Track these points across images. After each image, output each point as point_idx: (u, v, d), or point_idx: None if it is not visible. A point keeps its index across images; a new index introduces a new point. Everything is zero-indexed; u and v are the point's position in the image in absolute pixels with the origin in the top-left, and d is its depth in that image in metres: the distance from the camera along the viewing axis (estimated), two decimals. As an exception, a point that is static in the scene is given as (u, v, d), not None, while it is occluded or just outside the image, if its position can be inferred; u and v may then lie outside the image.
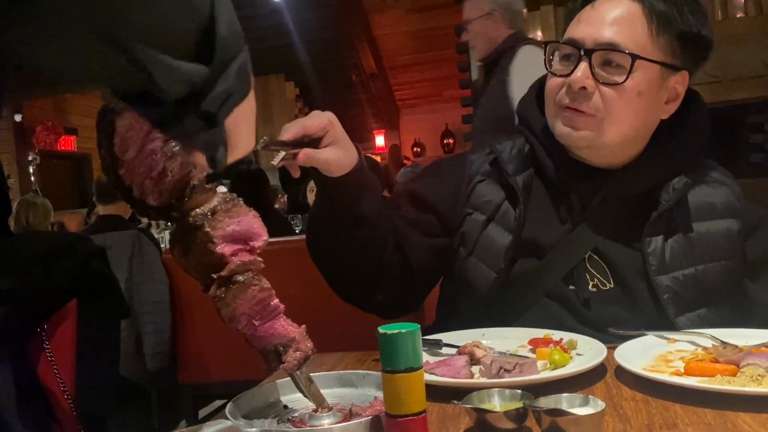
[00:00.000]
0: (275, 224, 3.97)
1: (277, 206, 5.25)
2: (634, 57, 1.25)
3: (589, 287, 1.33)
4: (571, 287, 1.33)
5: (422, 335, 1.10)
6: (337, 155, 1.19)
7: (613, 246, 1.34)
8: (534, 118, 1.43)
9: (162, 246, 4.16)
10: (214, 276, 0.92)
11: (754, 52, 3.74)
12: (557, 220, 1.37)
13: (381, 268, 1.36)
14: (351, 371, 1.10)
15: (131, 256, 3.56)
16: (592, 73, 1.27)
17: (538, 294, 1.34)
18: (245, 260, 0.93)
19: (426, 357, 1.20)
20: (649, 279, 1.29)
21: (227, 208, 0.93)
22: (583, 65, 1.27)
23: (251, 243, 0.95)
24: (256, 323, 0.94)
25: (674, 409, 0.92)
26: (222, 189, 0.93)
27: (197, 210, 0.91)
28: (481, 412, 0.86)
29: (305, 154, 1.15)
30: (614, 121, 1.28)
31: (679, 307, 1.27)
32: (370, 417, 0.88)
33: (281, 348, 0.97)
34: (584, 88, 1.26)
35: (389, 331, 0.84)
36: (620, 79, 1.26)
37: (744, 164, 3.36)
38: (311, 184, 4.60)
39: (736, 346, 1.04)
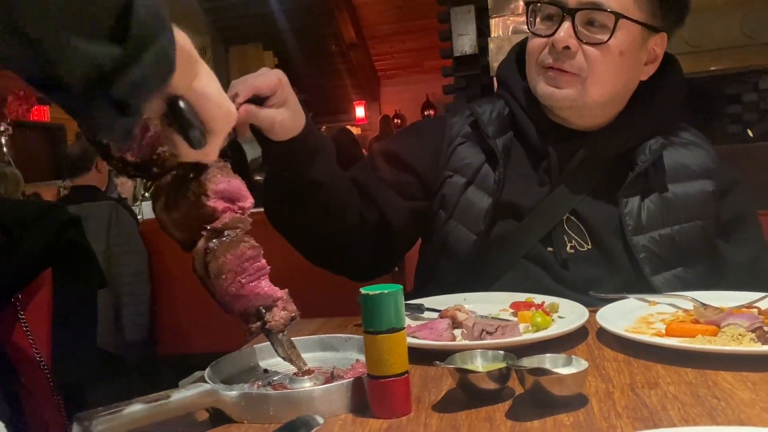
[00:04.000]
0: (255, 196, 3.92)
1: (258, 178, 5.19)
2: (618, 16, 1.24)
3: (567, 248, 1.33)
4: (549, 249, 1.34)
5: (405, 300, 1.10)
6: (282, 116, 1.13)
7: (590, 208, 1.34)
8: (514, 81, 1.42)
9: (139, 217, 4.11)
10: (207, 227, 0.90)
11: (734, 23, 3.72)
12: (536, 182, 1.37)
13: (347, 233, 1.34)
14: (332, 335, 1.09)
15: (108, 227, 3.51)
16: (575, 33, 1.25)
17: (517, 256, 1.34)
18: (236, 216, 0.92)
19: (408, 321, 1.19)
20: (625, 239, 1.30)
21: (219, 166, 0.92)
22: (566, 25, 1.26)
23: (239, 203, 0.93)
24: (243, 281, 0.93)
25: (656, 369, 0.92)
26: None
27: (190, 163, 0.89)
28: (464, 373, 0.85)
29: (246, 110, 1.08)
30: (597, 81, 1.28)
31: (655, 267, 1.28)
32: (351, 379, 0.87)
33: (263, 309, 0.96)
34: (568, 47, 1.25)
35: (371, 293, 0.83)
36: (604, 37, 1.25)
37: (721, 135, 3.38)
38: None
39: (717, 308, 1.05)
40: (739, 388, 0.83)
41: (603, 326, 1.04)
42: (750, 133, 3.55)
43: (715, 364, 0.90)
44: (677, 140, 1.39)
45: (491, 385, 0.85)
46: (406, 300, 1.30)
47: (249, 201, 0.95)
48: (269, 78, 1.12)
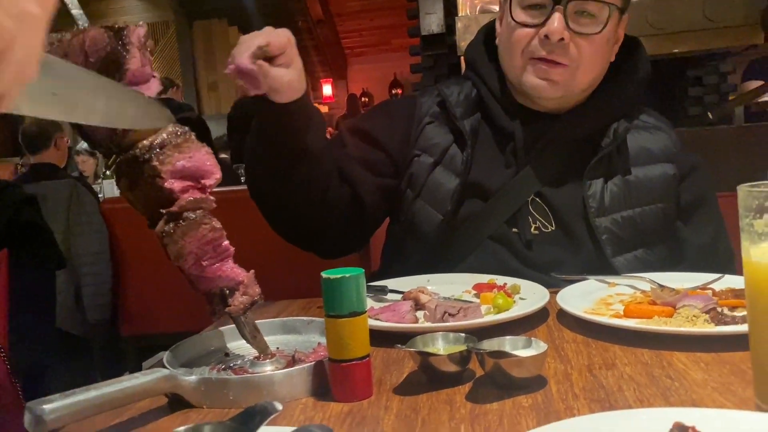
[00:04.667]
0: (224, 174, 3.86)
1: (224, 156, 5.12)
2: (612, 6, 1.25)
3: (532, 230, 1.35)
4: (514, 230, 1.35)
5: (368, 281, 1.10)
6: (290, 76, 1.13)
7: (555, 189, 1.36)
8: (482, 64, 1.42)
9: (100, 196, 4.02)
10: (163, 212, 0.88)
11: (696, 6, 3.76)
12: (502, 164, 1.37)
13: (325, 207, 1.34)
14: (295, 317, 1.08)
15: (68, 206, 3.43)
16: (567, 24, 1.25)
17: (482, 236, 1.35)
18: (196, 197, 0.89)
19: (371, 303, 1.19)
20: (588, 221, 1.32)
21: (177, 143, 0.88)
22: (558, 15, 1.24)
23: (203, 181, 0.91)
24: (204, 263, 0.91)
25: (613, 350, 0.94)
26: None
27: (144, 142, 0.86)
28: (425, 356, 0.86)
29: (261, 67, 1.08)
30: (586, 70, 1.30)
31: (616, 248, 1.31)
32: (313, 362, 0.87)
33: (227, 291, 0.94)
34: (562, 39, 1.25)
35: (333, 276, 0.82)
36: (596, 29, 1.26)
37: (683, 117, 3.44)
38: (256, 132, 4.48)
39: (673, 289, 1.07)
40: (692, 369, 0.85)
41: (563, 308, 1.05)
42: (710, 115, 3.61)
43: (670, 345, 0.92)
44: (641, 124, 1.42)
45: (452, 368, 0.86)
46: (372, 279, 1.31)
47: (214, 177, 0.92)
48: (280, 37, 1.10)
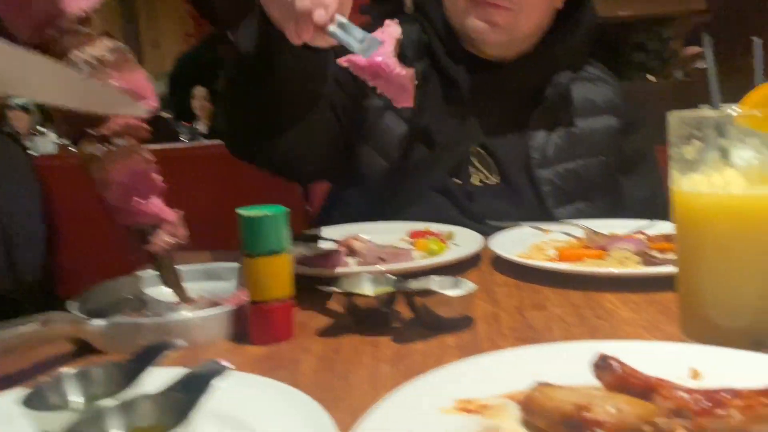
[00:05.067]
0: (162, 131, 3.74)
1: (166, 115, 4.95)
2: None
3: (475, 181, 1.32)
4: (456, 180, 1.32)
5: (307, 229, 1.05)
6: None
7: (498, 140, 1.33)
8: (433, 8, 1.37)
9: (34, 153, 3.84)
10: (91, 132, 0.81)
11: (643, -32, 3.75)
12: (447, 113, 1.34)
13: (314, 133, 1.26)
14: (219, 264, 1.03)
15: (-3, 163, 3.26)
16: None
17: (425, 187, 1.31)
18: (130, 123, 0.82)
19: (303, 251, 1.15)
20: (531, 172, 1.30)
21: (115, 61, 0.81)
22: None
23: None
24: (131, 196, 0.85)
25: (544, 293, 0.92)
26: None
27: (77, 52, 0.78)
28: (350, 296, 0.82)
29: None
30: (529, 14, 1.27)
31: (558, 200, 1.29)
32: (230, 306, 0.82)
33: (151, 229, 0.89)
34: None
35: (250, 213, 0.77)
36: None
37: (626, 83, 3.49)
38: (198, 90, 4.35)
39: (606, 234, 1.06)
40: (621, 309, 0.84)
41: (496, 252, 1.03)
42: (653, 78, 3.64)
43: (600, 287, 0.91)
44: (586, 75, 1.40)
45: (378, 309, 0.82)
46: (310, 227, 1.26)
47: (150, 104, 0.85)
48: None
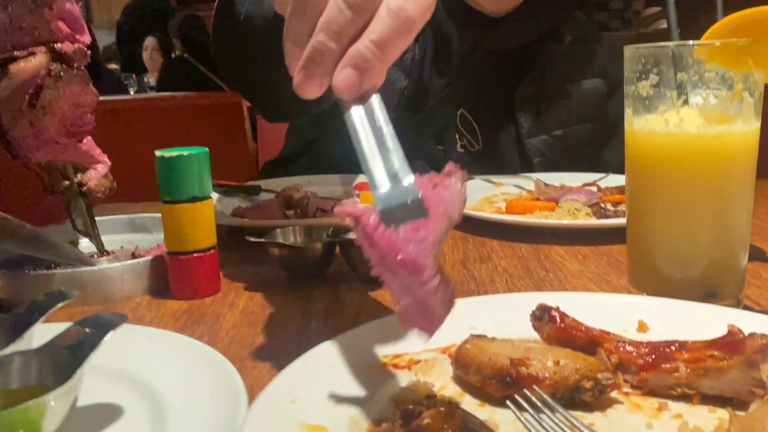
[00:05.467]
0: (107, 83, 3.57)
1: (113, 66, 4.73)
2: None
3: (458, 147, 1.26)
4: (439, 147, 1.25)
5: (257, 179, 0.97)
6: None
7: (485, 105, 1.26)
8: None
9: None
10: (56, 47, 0.73)
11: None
12: (437, 73, 1.26)
13: None
14: (144, 214, 0.95)
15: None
16: None
17: (407, 151, 1.24)
18: (81, 48, 0.75)
19: (238, 203, 1.08)
20: (520, 141, 1.24)
21: None
22: None
23: (78, 36, 0.76)
24: (70, 127, 0.77)
25: (491, 245, 0.88)
26: None
27: None
28: (282, 248, 0.76)
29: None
30: None
31: (545, 170, 1.24)
32: (150, 257, 0.75)
33: (81, 168, 0.82)
34: None
35: (168, 154, 0.70)
36: None
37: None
38: (148, 41, 4.15)
39: (557, 186, 1.02)
40: (569, 261, 0.80)
41: (443, 204, 0.97)
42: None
43: (549, 239, 0.87)
44: (575, 36, 1.32)
45: (313, 261, 0.76)
46: (249, 181, 1.19)
47: (86, 38, 0.78)
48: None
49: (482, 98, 1.27)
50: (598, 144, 1.35)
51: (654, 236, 0.61)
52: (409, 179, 0.43)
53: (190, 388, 0.48)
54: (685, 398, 0.46)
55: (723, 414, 0.44)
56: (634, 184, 0.63)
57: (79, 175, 0.83)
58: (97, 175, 0.83)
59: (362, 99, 0.45)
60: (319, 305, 0.69)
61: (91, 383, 0.49)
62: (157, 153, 0.70)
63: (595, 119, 1.32)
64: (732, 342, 0.45)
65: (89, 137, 0.82)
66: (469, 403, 0.47)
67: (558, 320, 0.50)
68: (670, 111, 0.58)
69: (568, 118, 1.29)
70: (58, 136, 0.78)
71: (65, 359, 0.45)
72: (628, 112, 0.61)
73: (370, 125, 0.45)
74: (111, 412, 0.47)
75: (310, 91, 0.46)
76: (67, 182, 0.82)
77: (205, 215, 0.72)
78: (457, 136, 1.27)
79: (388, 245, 0.39)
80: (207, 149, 0.72)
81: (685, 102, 0.58)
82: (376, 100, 0.46)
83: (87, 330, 0.46)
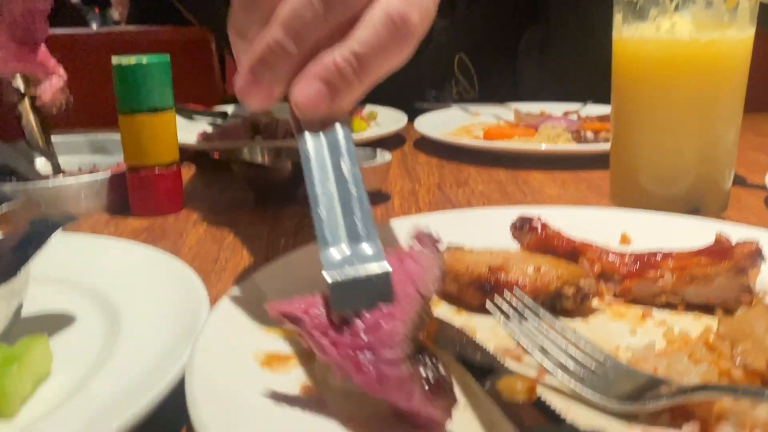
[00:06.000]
0: (68, 17, 3.40)
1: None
2: None
3: (453, 93, 1.21)
4: (433, 92, 1.21)
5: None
6: None
7: (484, 53, 1.20)
8: None
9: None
10: None
11: None
12: (439, 15, 1.20)
13: None
14: (104, 135, 0.90)
15: None
16: None
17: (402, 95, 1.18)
18: None
19: (205, 128, 1.03)
20: (517, 90, 1.20)
21: None
22: None
23: None
24: (19, 36, 0.71)
25: (467, 171, 0.85)
26: None
27: None
28: (249, 167, 0.72)
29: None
30: None
31: None
32: (108, 173, 0.71)
33: (32, 79, 0.76)
34: None
35: (126, 61, 0.65)
36: None
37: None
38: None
39: (537, 114, 0.99)
40: (548, 186, 0.78)
41: (419, 131, 0.94)
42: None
43: (528, 165, 0.84)
44: None
45: (281, 181, 0.73)
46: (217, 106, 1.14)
47: None
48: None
49: (483, 44, 1.21)
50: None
51: (639, 151, 0.58)
52: (374, 245, 0.32)
53: (148, 295, 0.44)
54: (669, 307, 0.44)
55: (708, 321, 0.42)
56: (621, 96, 0.60)
57: (32, 89, 0.78)
58: (52, 88, 0.78)
59: (326, 124, 0.35)
60: (289, 224, 0.66)
61: (42, 292, 0.46)
62: (114, 60, 0.65)
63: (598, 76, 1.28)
64: (720, 250, 0.43)
65: (43, 47, 0.76)
66: (445, 311, 0.44)
67: (539, 230, 0.48)
68: (661, 16, 0.55)
69: (572, 70, 1.23)
70: (7, 43, 0.73)
71: (8, 260, 0.41)
72: (617, 18, 0.58)
73: (330, 162, 0.35)
74: (62, 321, 0.44)
75: (256, 99, 0.37)
76: (19, 95, 0.77)
77: (167, 127, 0.68)
78: (453, 82, 1.22)
79: (345, 357, 0.29)
80: (168, 56, 0.67)
81: (678, 7, 0.55)
82: (343, 131, 0.35)
83: (32, 230, 0.43)
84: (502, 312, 0.38)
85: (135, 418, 0.29)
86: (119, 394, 0.32)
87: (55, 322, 0.43)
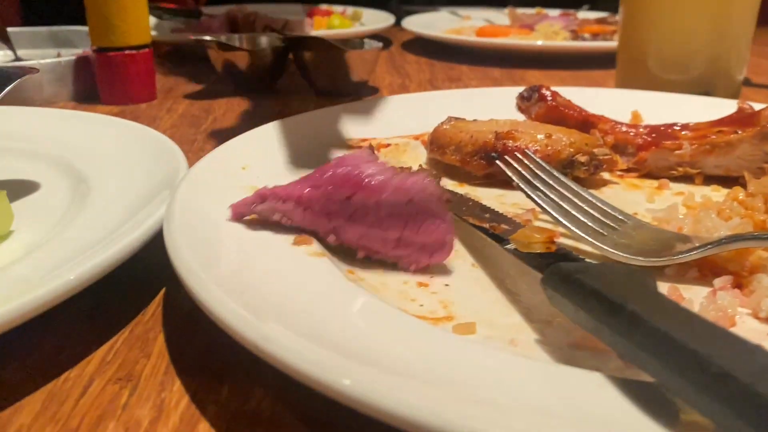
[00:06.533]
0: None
1: None
2: None
3: None
4: None
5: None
6: None
7: None
8: None
9: None
10: None
11: None
12: None
13: None
14: (69, 27, 0.83)
15: None
16: None
17: None
18: None
19: (179, 24, 0.96)
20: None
21: None
22: None
23: None
24: None
25: (460, 69, 0.80)
26: None
27: None
28: (229, 52, 0.67)
29: None
30: None
31: None
32: (73, 57, 0.65)
33: None
34: None
35: (89, -74, 0.58)
36: None
37: None
38: None
39: (533, 13, 0.94)
40: (547, 83, 0.73)
41: (408, 29, 0.89)
42: None
43: (524, 64, 0.80)
44: None
45: (261, 67, 0.68)
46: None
47: None
48: None
49: None
50: None
51: (650, 33, 0.54)
52: None
53: (119, 162, 0.40)
54: (686, 179, 0.41)
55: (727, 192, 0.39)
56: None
57: None
58: None
59: None
60: (270, 113, 0.62)
61: (4, 163, 0.41)
62: (75, -76, 0.59)
63: None
64: (742, 117, 0.40)
65: None
66: (447, 185, 0.41)
67: (549, 98, 0.44)
68: None
69: None
70: None
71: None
72: None
73: None
74: (26, 186, 0.40)
75: None
76: None
77: (137, 4, 0.62)
78: None
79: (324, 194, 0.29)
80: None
81: None
82: None
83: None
84: (516, 171, 0.35)
85: (109, 262, 0.26)
86: (90, 243, 0.28)
87: (18, 187, 0.39)
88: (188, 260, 0.25)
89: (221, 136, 0.54)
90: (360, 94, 0.67)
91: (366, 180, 0.28)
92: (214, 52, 0.67)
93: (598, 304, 0.21)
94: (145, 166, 0.38)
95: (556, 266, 0.24)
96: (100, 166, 0.40)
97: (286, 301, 0.23)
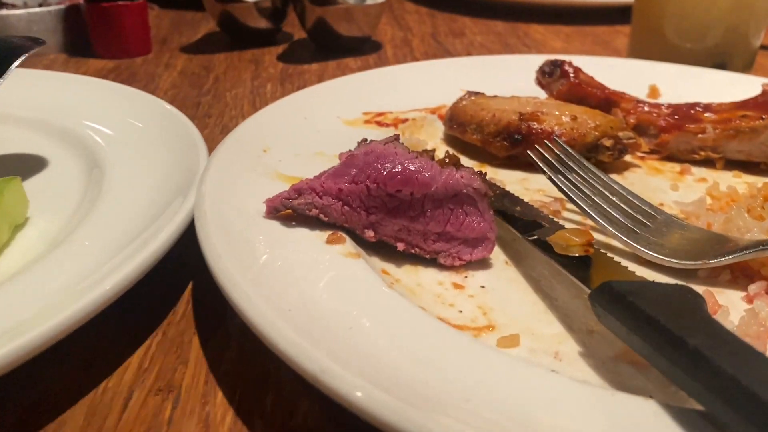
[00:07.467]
0: None
1: None
2: None
3: None
4: None
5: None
6: None
7: None
8: None
9: None
10: None
11: None
12: None
13: None
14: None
15: None
16: None
17: None
18: None
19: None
20: None
21: None
22: None
23: None
24: None
25: (462, 21, 0.78)
26: None
27: None
28: (228, 4, 0.64)
29: None
30: None
31: None
32: (63, 6, 0.62)
33: None
34: None
35: None
36: None
37: None
38: None
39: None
40: (551, 39, 0.72)
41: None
42: None
43: (526, 18, 0.78)
44: None
45: (261, 23, 0.65)
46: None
47: None
48: None
49: None
50: None
51: (666, 3, 0.53)
52: None
53: (132, 138, 0.39)
54: (707, 163, 0.41)
55: (748, 179, 0.39)
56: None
57: None
58: None
59: None
60: (273, 70, 0.60)
61: (11, 134, 0.40)
62: None
63: None
64: (767, 100, 0.40)
65: None
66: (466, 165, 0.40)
67: (572, 75, 0.43)
68: None
69: None
70: None
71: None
72: None
73: None
74: (37, 163, 0.38)
75: None
76: None
77: (130, -48, 0.58)
78: None
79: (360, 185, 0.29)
80: None
81: None
82: None
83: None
84: (546, 161, 0.34)
85: (142, 268, 0.25)
86: (111, 244, 0.28)
87: (31, 165, 0.38)
88: (236, 278, 0.24)
89: (226, 98, 0.52)
90: (365, 52, 0.65)
91: (416, 176, 0.28)
92: (211, 3, 0.64)
93: (655, 332, 0.21)
94: (161, 148, 0.37)
95: (606, 284, 0.24)
96: (113, 143, 0.39)
97: (335, 317, 0.23)
